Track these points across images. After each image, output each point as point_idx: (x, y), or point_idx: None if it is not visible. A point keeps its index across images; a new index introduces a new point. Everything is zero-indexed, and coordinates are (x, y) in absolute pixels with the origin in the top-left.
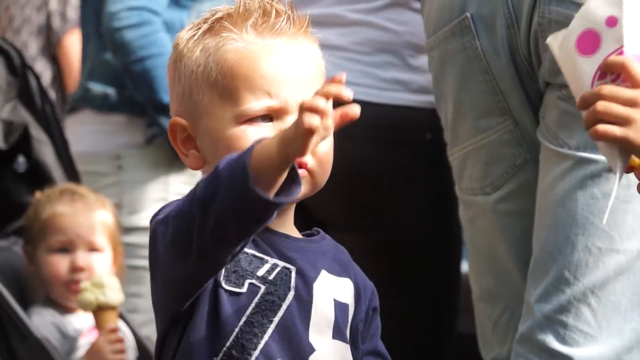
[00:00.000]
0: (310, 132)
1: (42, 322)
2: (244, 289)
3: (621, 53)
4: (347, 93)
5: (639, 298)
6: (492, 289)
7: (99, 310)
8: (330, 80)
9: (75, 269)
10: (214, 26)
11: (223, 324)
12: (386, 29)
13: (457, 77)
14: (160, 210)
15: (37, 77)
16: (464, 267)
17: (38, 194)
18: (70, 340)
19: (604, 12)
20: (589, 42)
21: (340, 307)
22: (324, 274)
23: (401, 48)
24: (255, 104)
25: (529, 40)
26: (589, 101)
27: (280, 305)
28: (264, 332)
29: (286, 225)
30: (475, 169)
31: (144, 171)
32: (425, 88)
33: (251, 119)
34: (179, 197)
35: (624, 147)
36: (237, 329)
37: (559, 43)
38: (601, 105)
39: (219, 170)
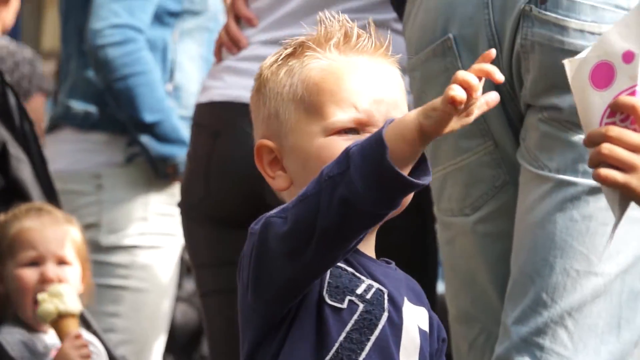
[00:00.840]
0: (454, 103)
1: (11, 340)
2: (344, 305)
3: (633, 92)
4: (499, 75)
5: (616, 320)
6: (469, 310)
7: (60, 319)
8: (484, 56)
9: (45, 280)
10: (297, 50)
11: (326, 337)
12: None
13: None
14: (259, 219)
15: (17, 95)
16: (440, 287)
17: (2, 215)
18: (40, 358)
19: (622, 45)
20: (604, 74)
21: (423, 334)
22: (407, 302)
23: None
24: (342, 116)
25: (511, 62)
26: (595, 140)
27: (377, 325)
28: (362, 349)
29: (371, 248)
30: (454, 189)
31: (123, 190)
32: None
33: (338, 132)
34: (159, 217)
35: (625, 193)
36: (337, 344)
37: (574, 69)
38: (606, 148)
39: (350, 151)
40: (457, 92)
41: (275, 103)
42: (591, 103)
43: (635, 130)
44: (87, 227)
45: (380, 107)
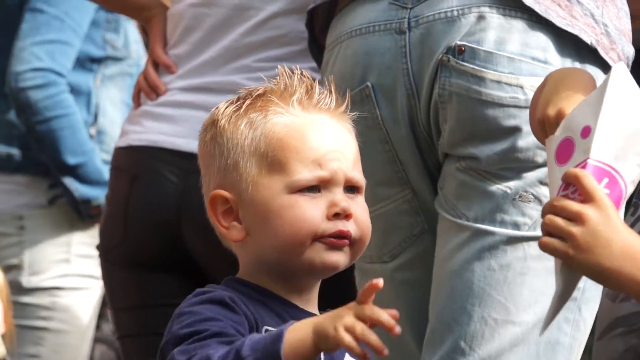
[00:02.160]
0: (346, 346)
1: None
2: None
3: (585, 165)
4: (397, 330)
5: None
6: (387, 357)
7: None
8: (368, 287)
9: None
10: (257, 102)
11: None
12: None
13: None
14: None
15: None
16: None
17: None
18: None
19: (582, 121)
20: (566, 150)
21: None
22: (347, 356)
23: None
24: (306, 174)
25: (429, 112)
26: (544, 212)
27: None
28: None
29: (310, 304)
30: (373, 237)
31: (46, 232)
32: None
33: (301, 190)
34: (81, 259)
35: (564, 261)
36: None
37: (547, 146)
38: (548, 218)
39: (244, 356)
40: (348, 341)
41: (234, 154)
42: (554, 178)
43: (582, 201)
44: (9, 269)
45: (342, 165)
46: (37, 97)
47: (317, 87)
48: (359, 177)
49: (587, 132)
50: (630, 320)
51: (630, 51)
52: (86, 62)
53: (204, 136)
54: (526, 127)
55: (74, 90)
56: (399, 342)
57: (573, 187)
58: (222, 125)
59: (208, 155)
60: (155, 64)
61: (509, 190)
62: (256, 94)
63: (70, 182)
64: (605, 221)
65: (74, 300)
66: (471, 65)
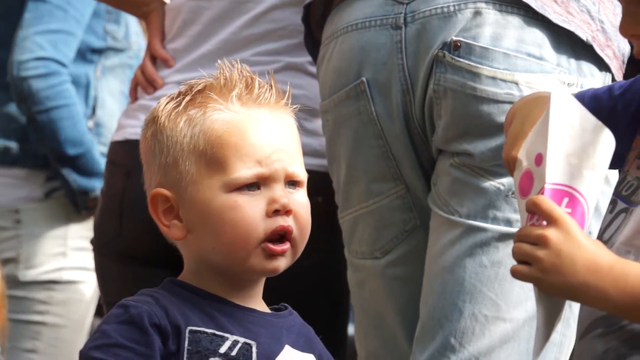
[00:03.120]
0: None
1: None
2: None
3: (543, 191)
4: None
5: None
6: (378, 353)
7: None
8: None
9: None
10: (197, 97)
11: None
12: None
13: (351, 140)
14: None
15: None
16: (350, 330)
17: None
18: None
19: (534, 150)
20: (527, 183)
21: None
22: (287, 349)
23: (295, 111)
24: (245, 172)
25: (423, 107)
26: (514, 242)
27: None
28: None
29: (252, 300)
30: (365, 232)
31: (42, 225)
32: (318, 152)
33: (240, 187)
34: (78, 252)
35: (536, 286)
36: None
37: None
38: (515, 246)
39: None
40: None
41: (174, 152)
42: (521, 212)
43: (543, 226)
44: (5, 262)
45: (283, 161)
46: (38, 87)
47: (256, 82)
48: (299, 172)
49: (540, 159)
50: (609, 320)
51: (626, 48)
52: (87, 53)
53: (145, 132)
54: None
55: (74, 82)
56: (390, 338)
57: (537, 215)
58: (162, 123)
59: (149, 153)
60: (153, 58)
61: (501, 187)
62: (196, 89)
63: (68, 173)
64: (567, 239)
65: (71, 294)
66: (467, 61)
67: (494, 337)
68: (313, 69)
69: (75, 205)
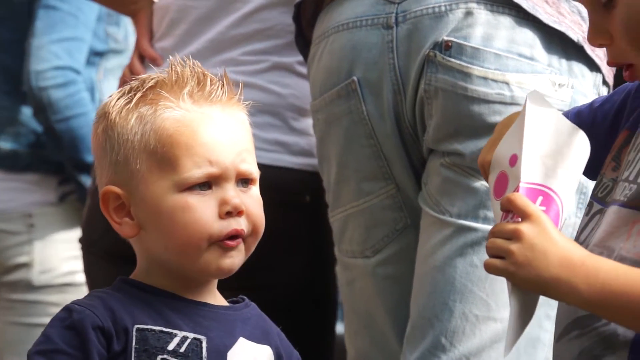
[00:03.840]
0: None
1: None
2: None
3: (517, 190)
4: None
5: None
6: (367, 352)
7: None
8: None
9: None
10: (148, 94)
11: None
12: (269, 91)
13: (342, 139)
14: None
15: None
16: (340, 328)
17: None
18: None
19: (509, 151)
20: (501, 184)
21: None
22: (241, 342)
23: (284, 110)
24: (196, 171)
25: (414, 107)
26: (487, 237)
27: None
28: None
29: (205, 294)
30: (356, 231)
31: (55, 229)
32: (307, 151)
33: (191, 187)
34: None
35: (510, 280)
36: None
37: None
38: (489, 241)
39: None
40: None
41: (125, 150)
42: (496, 213)
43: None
44: (19, 267)
45: (235, 159)
46: (58, 96)
47: (208, 79)
48: (252, 170)
49: (514, 160)
50: (584, 322)
51: None
52: (91, 57)
53: (97, 127)
54: None
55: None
56: (380, 337)
57: (511, 212)
58: (112, 119)
59: (100, 148)
60: (142, 56)
61: None
62: (148, 85)
63: (86, 180)
64: (540, 234)
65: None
66: (458, 61)
67: (484, 336)
68: (301, 69)
69: None
